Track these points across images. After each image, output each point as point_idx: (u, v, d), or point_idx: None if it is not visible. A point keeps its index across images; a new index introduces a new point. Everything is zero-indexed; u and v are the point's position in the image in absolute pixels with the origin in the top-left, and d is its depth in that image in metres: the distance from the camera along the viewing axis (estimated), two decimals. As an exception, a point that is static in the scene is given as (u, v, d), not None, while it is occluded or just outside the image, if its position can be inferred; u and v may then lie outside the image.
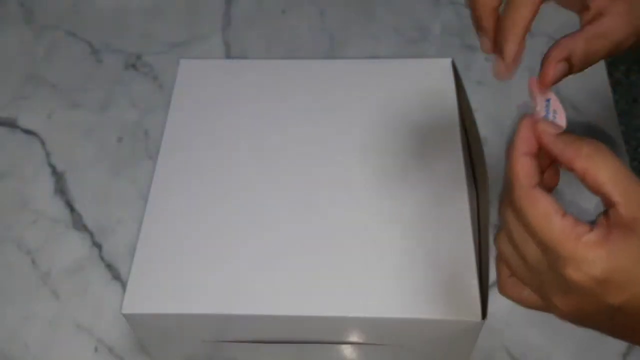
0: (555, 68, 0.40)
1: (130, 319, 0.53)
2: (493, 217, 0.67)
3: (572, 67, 0.40)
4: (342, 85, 0.65)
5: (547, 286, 0.36)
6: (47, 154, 0.78)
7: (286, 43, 0.88)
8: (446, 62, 0.64)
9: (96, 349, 0.64)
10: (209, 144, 0.62)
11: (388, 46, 0.86)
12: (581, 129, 0.76)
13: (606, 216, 0.34)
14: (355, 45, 0.87)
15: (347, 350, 0.57)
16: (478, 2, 0.41)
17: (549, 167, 0.40)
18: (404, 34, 0.88)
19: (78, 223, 0.73)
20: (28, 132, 0.81)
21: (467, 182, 0.57)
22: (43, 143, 0.79)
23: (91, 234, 0.72)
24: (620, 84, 1.65)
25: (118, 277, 0.68)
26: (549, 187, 0.39)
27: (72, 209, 0.74)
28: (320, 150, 0.60)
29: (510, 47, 0.40)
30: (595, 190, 0.35)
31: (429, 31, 0.88)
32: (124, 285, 0.67)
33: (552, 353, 0.60)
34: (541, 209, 0.35)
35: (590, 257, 0.33)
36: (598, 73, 0.80)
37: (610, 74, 0.81)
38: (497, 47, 0.41)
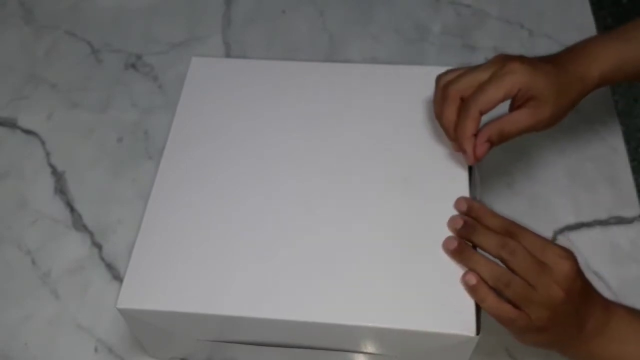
0: (479, 147, 0.56)
1: (124, 313, 0.53)
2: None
3: (492, 143, 0.57)
4: (354, 90, 0.65)
5: (533, 296, 0.49)
6: (47, 154, 0.78)
7: (286, 43, 0.88)
8: None
9: (96, 349, 0.64)
10: (214, 144, 0.62)
11: (388, 46, 0.86)
12: (581, 129, 0.76)
13: None
14: (355, 46, 0.87)
15: (341, 358, 0.57)
16: (444, 122, 0.58)
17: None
18: (403, 34, 0.88)
19: (78, 223, 0.73)
20: (28, 132, 0.81)
21: (470, 193, 0.57)
22: (43, 143, 0.79)
23: (91, 234, 0.72)
24: (620, 84, 1.65)
25: (118, 277, 0.68)
26: None
27: (72, 209, 0.74)
28: (325, 155, 0.60)
29: (468, 152, 0.57)
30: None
31: (429, 31, 0.88)
32: (124, 285, 0.67)
33: (551, 353, 0.60)
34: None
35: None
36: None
37: (610, 74, 0.81)
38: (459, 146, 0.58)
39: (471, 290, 0.51)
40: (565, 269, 0.49)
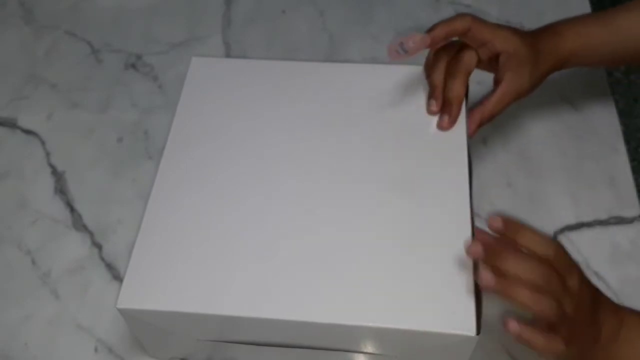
0: (473, 133, 0.62)
1: (124, 313, 0.53)
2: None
3: (483, 124, 0.62)
4: (354, 90, 0.65)
5: (563, 314, 0.47)
6: (47, 154, 0.78)
7: (286, 43, 0.88)
8: None
9: (96, 349, 0.64)
10: (214, 144, 0.62)
11: (388, 46, 0.86)
12: (582, 129, 0.76)
13: None
14: (355, 46, 0.87)
15: (341, 358, 0.57)
16: (432, 79, 0.62)
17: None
18: (403, 34, 0.88)
19: (78, 223, 0.73)
20: (28, 132, 0.81)
21: (471, 193, 0.57)
22: (43, 143, 0.79)
23: (91, 234, 0.72)
24: (620, 84, 1.65)
25: (118, 277, 0.68)
26: None
27: (72, 209, 0.74)
28: (324, 155, 0.60)
29: (455, 111, 0.61)
30: None
31: (429, 31, 0.88)
32: (124, 285, 0.67)
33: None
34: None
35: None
36: (598, 73, 0.80)
37: (610, 73, 0.81)
38: (444, 108, 0.61)
39: (518, 338, 0.48)
40: (577, 278, 0.49)
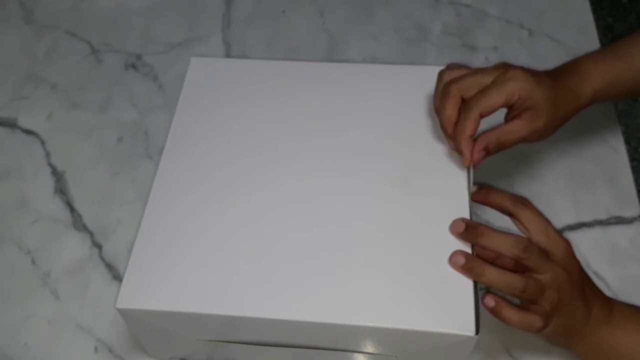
0: (476, 154, 0.56)
1: (124, 313, 0.53)
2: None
3: (488, 152, 0.57)
4: (354, 90, 0.65)
5: (544, 287, 0.50)
6: (47, 154, 0.78)
7: (286, 43, 0.88)
8: None
9: (96, 349, 0.64)
10: (213, 143, 0.62)
11: (388, 46, 0.86)
12: (581, 129, 0.76)
13: None
14: (355, 46, 0.87)
15: (341, 358, 0.57)
16: (443, 118, 0.57)
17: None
18: (403, 34, 0.88)
19: (78, 223, 0.73)
20: (28, 132, 0.81)
21: (469, 193, 0.57)
22: (43, 143, 0.79)
23: (91, 234, 0.72)
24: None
25: (118, 277, 0.68)
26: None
27: (72, 209, 0.74)
28: (324, 155, 0.60)
29: (465, 153, 0.56)
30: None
31: (429, 31, 0.88)
32: (124, 285, 0.67)
33: (551, 353, 0.60)
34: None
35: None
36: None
37: (610, 74, 0.81)
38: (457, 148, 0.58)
39: (493, 312, 0.51)
40: (562, 250, 0.52)
